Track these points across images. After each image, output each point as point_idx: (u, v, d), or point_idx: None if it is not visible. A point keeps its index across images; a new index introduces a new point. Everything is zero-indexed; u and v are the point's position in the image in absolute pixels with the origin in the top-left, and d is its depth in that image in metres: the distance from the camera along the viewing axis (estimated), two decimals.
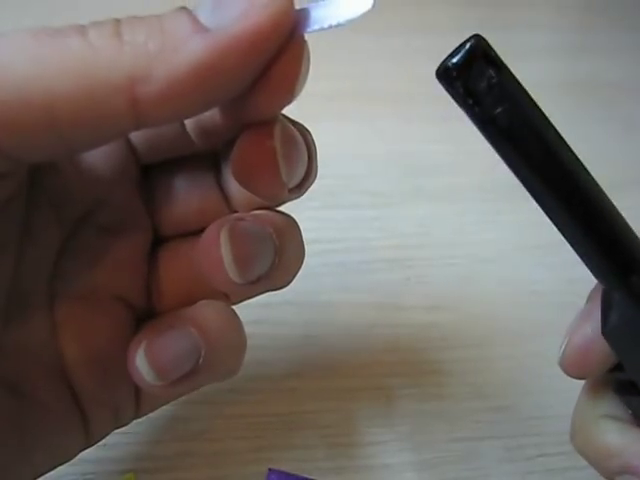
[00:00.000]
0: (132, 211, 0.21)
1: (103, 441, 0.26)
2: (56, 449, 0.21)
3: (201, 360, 0.20)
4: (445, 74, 0.16)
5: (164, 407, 0.24)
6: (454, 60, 0.16)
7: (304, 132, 0.21)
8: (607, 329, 0.19)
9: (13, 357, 0.19)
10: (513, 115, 0.16)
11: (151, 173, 0.22)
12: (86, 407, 0.21)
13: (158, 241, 0.22)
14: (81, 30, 0.16)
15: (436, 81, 0.16)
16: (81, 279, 0.21)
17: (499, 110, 0.16)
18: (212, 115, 0.20)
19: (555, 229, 0.18)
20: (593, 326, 0.20)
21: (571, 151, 0.16)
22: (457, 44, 0.16)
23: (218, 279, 0.19)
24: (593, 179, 0.17)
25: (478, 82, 0.15)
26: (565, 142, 0.16)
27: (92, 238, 0.21)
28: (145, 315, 0.22)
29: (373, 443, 0.28)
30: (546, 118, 0.16)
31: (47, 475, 0.21)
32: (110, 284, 0.21)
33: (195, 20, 0.16)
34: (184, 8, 0.17)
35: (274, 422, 0.28)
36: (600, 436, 0.20)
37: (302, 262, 0.22)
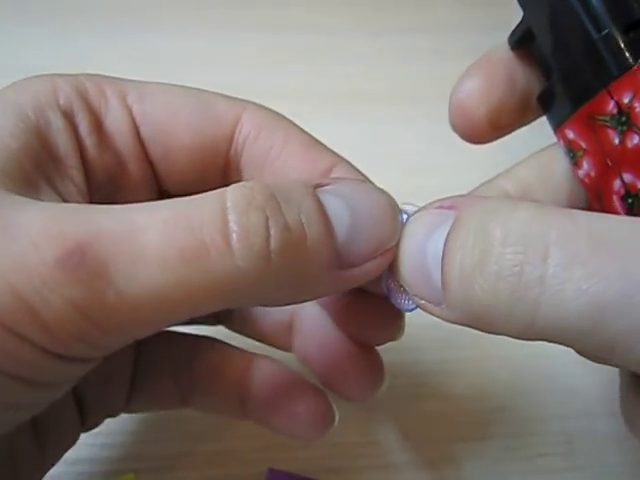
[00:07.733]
0: None
1: (103, 441, 0.26)
2: (65, 447, 0.22)
3: None
4: None
5: None
6: None
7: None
8: None
9: None
10: None
11: None
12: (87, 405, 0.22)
13: None
14: (233, 251, 0.15)
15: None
16: None
17: None
18: None
19: None
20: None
21: None
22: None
23: None
24: None
25: None
26: None
27: None
28: None
29: (373, 443, 0.28)
30: None
31: (48, 475, 0.21)
32: None
33: (334, 258, 0.16)
34: (328, 243, 0.16)
35: None
36: None
37: None
